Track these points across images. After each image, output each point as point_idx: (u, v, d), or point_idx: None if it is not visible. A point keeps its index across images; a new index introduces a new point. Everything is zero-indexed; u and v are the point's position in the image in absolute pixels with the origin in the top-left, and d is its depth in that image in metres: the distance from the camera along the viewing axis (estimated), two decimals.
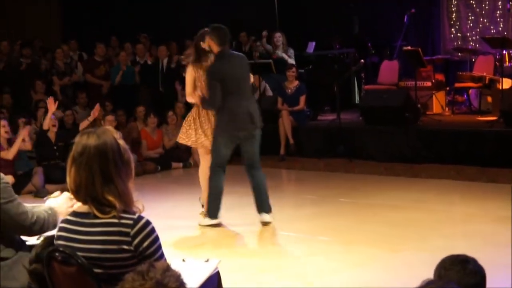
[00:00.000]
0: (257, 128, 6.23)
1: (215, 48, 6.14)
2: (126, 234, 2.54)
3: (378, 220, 6.30)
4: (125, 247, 2.54)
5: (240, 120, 6.11)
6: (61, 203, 3.23)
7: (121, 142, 2.72)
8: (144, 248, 2.55)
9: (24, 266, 2.86)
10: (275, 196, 7.35)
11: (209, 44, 6.17)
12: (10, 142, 8.57)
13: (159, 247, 2.60)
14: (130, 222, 2.56)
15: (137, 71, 11.83)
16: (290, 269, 5.00)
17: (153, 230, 2.59)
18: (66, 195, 3.21)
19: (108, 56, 12.29)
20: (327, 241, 5.74)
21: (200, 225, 6.35)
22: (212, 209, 6.25)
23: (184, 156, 10.35)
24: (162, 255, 2.60)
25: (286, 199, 7.16)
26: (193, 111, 6.51)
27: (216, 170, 6.26)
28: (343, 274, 4.84)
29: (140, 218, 2.60)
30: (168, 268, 1.93)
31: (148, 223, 2.59)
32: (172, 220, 6.70)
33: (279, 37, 11.24)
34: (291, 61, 11.15)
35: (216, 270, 3.02)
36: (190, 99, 6.43)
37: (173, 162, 10.21)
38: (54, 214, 3.19)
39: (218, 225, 6.26)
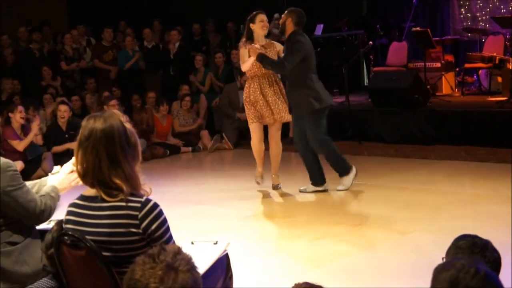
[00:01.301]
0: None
1: (291, 28, 6.60)
2: (134, 217, 2.54)
3: (387, 202, 6.28)
4: (133, 230, 2.54)
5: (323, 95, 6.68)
6: (62, 179, 3.25)
7: (128, 125, 2.72)
8: (152, 231, 2.55)
9: (42, 250, 2.88)
10: (284, 179, 7.37)
11: (286, 22, 6.63)
12: (24, 128, 8.62)
13: (167, 229, 2.60)
14: (138, 205, 2.57)
15: (144, 55, 11.79)
16: (299, 252, 5.00)
17: (161, 213, 2.59)
18: (66, 170, 3.23)
19: (116, 41, 12.27)
20: (335, 223, 5.73)
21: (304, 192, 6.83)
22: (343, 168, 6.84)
23: (193, 141, 10.35)
24: (170, 238, 2.60)
25: (295, 182, 7.14)
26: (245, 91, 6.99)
27: (326, 140, 6.76)
28: (352, 257, 4.83)
29: (148, 201, 2.60)
30: (179, 251, 1.93)
31: (155, 205, 2.59)
32: (182, 203, 6.71)
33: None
34: None
35: (225, 253, 3.02)
36: (244, 68, 6.84)
37: (183, 146, 10.21)
38: (58, 195, 3.21)
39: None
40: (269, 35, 11.60)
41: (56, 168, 3.36)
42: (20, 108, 8.55)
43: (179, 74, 11.65)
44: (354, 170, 6.81)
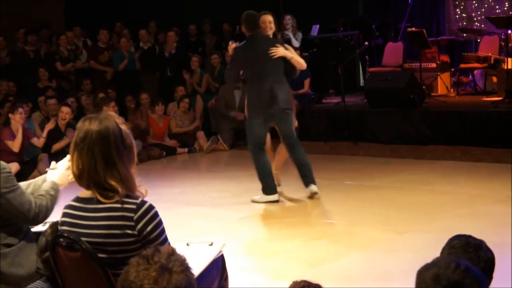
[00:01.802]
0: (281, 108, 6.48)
1: (246, 33, 6.60)
2: (129, 218, 2.55)
3: (383, 202, 6.29)
4: (129, 231, 2.54)
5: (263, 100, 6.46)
6: (61, 174, 3.25)
7: (123, 127, 2.72)
8: (148, 232, 2.55)
9: (37, 254, 2.88)
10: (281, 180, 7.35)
11: (243, 31, 6.70)
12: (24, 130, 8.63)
13: (163, 231, 2.60)
14: (133, 206, 2.57)
15: (139, 56, 11.81)
16: (295, 252, 5.00)
17: (156, 214, 2.60)
18: (64, 165, 3.23)
19: (112, 42, 12.27)
20: (332, 224, 5.74)
21: (254, 201, 6.55)
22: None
23: (189, 142, 10.35)
24: (165, 239, 2.61)
25: (291, 182, 7.14)
26: None
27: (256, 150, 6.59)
28: (348, 257, 4.84)
29: (143, 202, 2.60)
30: (173, 252, 1.94)
31: (151, 207, 2.59)
32: (178, 205, 6.71)
33: (288, 19, 11.31)
34: (296, 44, 11.14)
35: (221, 254, 3.02)
36: None
37: (178, 147, 10.21)
38: (57, 191, 3.21)
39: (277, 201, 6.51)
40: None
41: (53, 163, 3.36)
42: (21, 109, 8.55)
43: (176, 75, 11.66)
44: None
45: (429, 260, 1.95)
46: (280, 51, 6.42)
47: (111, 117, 2.71)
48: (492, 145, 8.34)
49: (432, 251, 2.37)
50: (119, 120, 2.73)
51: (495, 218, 5.54)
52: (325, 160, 8.74)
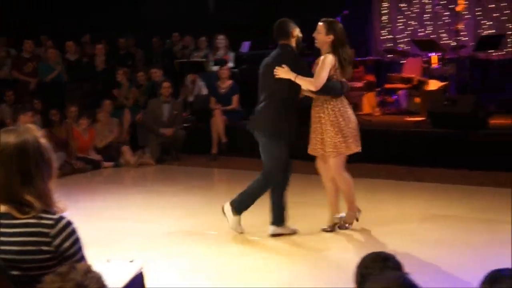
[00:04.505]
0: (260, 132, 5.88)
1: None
2: (46, 234, 2.48)
3: (308, 219, 6.35)
4: (44, 248, 2.47)
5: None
6: None
7: (43, 140, 2.65)
8: (65, 249, 2.49)
9: None
10: (206, 195, 7.35)
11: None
12: None
13: (80, 248, 2.54)
14: (51, 222, 2.50)
15: (66, 68, 11.63)
16: (220, 269, 4.98)
17: (74, 231, 2.54)
18: None
19: (36, 53, 12.01)
20: (258, 240, 5.75)
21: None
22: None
23: (115, 156, 10.20)
24: (83, 257, 2.55)
25: (217, 198, 7.13)
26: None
27: None
28: (275, 273, 4.85)
29: (61, 218, 2.54)
30: (89, 269, 1.90)
31: (69, 223, 2.53)
32: (101, 220, 6.59)
33: (221, 39, 11.41)
34: (230, 64, 11.28)
35: (141, 271, 2.97)
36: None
37: (104, 161, 10.04)
38: None
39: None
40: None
41: None
42: None
43: (105, 88, 11.52)
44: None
45: (348, 276, 2.00)
46: (279, 72, 5.60)
47: (31, 130, 2.63)
48: (415, 165, 8.56)
49: (353, 268, 2.39)
50: (39, 133, 2.66)
51: (417, 235, 5.68)
52: (252, 176, 8.66)
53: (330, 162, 5.78)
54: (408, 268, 2.33)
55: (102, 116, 10.33)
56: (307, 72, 5.69)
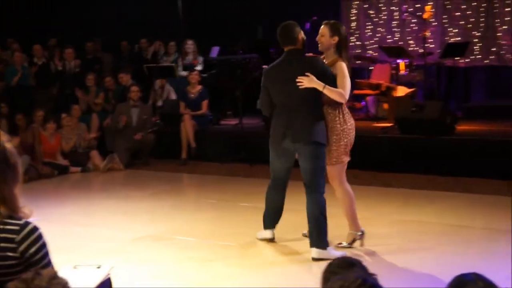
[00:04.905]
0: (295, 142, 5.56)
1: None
2: (11, 240, 2.44)
3: (277, 225, 6.34)
4: (10, 253, 2.44)
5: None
6: None
7: (8, 145, 2.61)
8: (31, 255, 2.46)
9: None
10: (175, 200, 7.32)
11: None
12: None
13: (47, 253, 2.51)
14: (16, 227, 2.47)
15: (33, 72, 11.50)
16: (187, 275, 4.96)
17: (40, 236, 2.50)
18: None
19: (3, 56, 11.86)
20: (225, 245, 5.74)
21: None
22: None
23: (83, 160, 10.09)
24: (49, 262, 2.51)
25: (186, 203, 7.12)
26: None
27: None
28: (240, 279, 4.84)
29: (27, 223, 2.50)
30: (54, 275, 1.87)
31: (35, 228, 2.50)
32: (68, 225, 6.52)
33: (190, 44, 11.40)
34: (199, 68, 11.27)
35: (108, 277, 2.95)
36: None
37: (71, 166, 9.93)
38: None
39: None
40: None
41: None
42: None
43: (72, 92, 11.42)
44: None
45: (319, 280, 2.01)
46: (305, 81, 5.24)
47: None
48: (382, 170, 8.63)
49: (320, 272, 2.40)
50: (4, 138, 2.62)
51: (383, 240, 5.72)
52: (221, 182, 8.75)
53: (327, 170, 5.56)
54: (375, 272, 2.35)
55: (69, 120, 10.22)
56: (334, 81, 5.33)
